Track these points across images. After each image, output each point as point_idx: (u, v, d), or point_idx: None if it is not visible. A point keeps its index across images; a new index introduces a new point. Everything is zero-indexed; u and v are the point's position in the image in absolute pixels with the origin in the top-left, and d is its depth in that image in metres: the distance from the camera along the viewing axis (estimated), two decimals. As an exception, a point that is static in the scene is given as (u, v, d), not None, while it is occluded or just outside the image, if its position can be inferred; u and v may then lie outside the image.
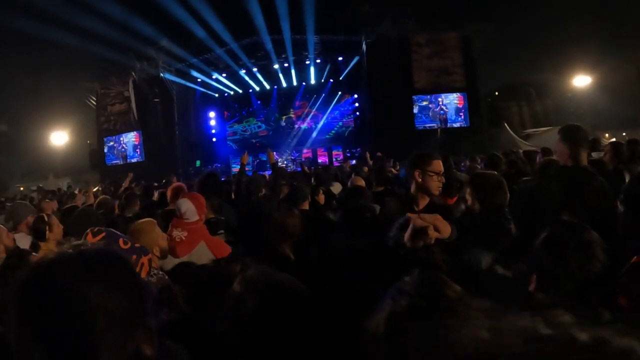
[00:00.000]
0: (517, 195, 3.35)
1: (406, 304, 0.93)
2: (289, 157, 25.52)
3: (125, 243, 2.23)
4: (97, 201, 5.20)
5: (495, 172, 3.65)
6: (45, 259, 1.03)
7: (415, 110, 23.39)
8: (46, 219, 3.98)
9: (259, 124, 28.21)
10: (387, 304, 0.95)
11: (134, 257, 2.19)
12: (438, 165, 3.19)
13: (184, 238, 3.57)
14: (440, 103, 23.44)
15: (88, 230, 2.29)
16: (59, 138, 31.27)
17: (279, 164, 23.59)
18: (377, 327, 0.93)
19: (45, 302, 0.96)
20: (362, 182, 5.08)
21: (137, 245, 2.35)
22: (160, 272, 2.65)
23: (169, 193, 5.47)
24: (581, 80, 30.10)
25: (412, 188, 3.24)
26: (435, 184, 3.17)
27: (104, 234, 2.23)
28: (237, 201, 6.05)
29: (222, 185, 6.01)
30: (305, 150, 26.38)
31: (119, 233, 2.35)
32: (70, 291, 0.96)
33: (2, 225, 3.77)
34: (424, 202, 3.21)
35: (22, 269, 1.07)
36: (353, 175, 5.96)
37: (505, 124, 25.51)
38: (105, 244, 1.15)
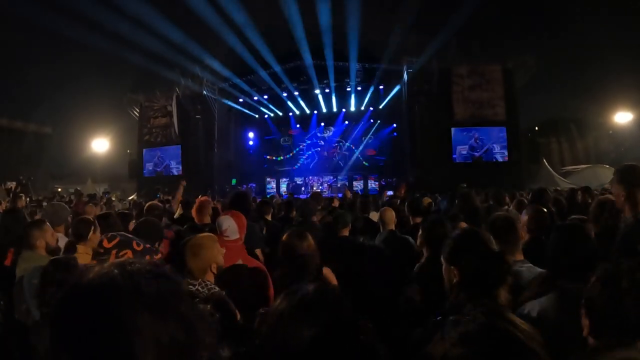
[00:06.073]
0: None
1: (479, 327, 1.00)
2: (326, 183, 25.53)
3: (138, 245, 2.30)
4: (146, 206, 5.37)
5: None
6: (86, 277, 0.90)
7: (455, 142, 23.21)
8: (92, 220, 4.09)
9: (297, 147, 28.44)
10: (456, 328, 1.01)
11: (148, 257, 2.25)
12: None
13: (221, 255, 3.62)
14: (480, 136, 23.20)
15: (103, 236, 2.38)
16: (100, 145, 32.26)
17: (315, 188, 23.69)
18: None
19: (82, 327, 0.83)
20: (392, 213, 5.00)
21: (147, 245, 2.41)
22: (216, 287, 2.73)
23: (195, 207, 5.64)
24: (623, 117, 29.39)
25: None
26: None
27: (118, 239, 2.30)
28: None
29: (250, 206, 6.11)
30: (340, 177, 26.44)
31: (130, 236, 2.41)
32: (114, 317, 0.83)
33: (49, 225, 3.90)
34: None
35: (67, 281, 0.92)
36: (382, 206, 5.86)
37: (544, 160, 25.06)
38: (154, 263, 1.03)
